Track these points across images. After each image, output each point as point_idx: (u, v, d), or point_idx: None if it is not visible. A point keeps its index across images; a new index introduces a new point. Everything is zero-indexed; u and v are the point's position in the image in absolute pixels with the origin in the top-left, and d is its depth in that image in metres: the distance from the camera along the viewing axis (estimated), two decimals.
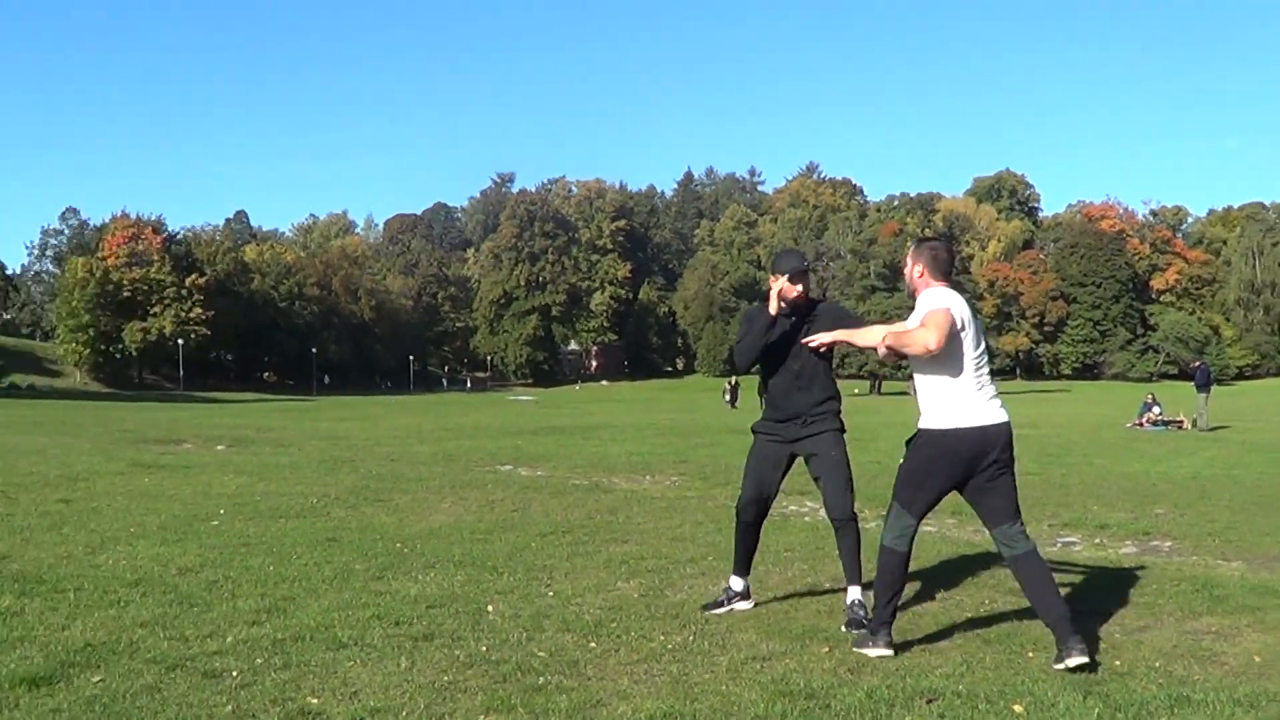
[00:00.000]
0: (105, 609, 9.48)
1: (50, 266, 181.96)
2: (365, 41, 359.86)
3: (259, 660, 7.85)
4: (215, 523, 15.07)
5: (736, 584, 9.90)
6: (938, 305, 8.15)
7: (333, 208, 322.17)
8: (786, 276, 9.31)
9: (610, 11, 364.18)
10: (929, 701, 7.00)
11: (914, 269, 8.55)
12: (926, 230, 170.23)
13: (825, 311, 9.51)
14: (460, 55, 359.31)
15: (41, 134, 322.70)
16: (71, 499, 17.86)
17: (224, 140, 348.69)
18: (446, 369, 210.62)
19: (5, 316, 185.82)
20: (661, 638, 8.62)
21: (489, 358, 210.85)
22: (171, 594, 10.09)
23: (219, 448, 31.35)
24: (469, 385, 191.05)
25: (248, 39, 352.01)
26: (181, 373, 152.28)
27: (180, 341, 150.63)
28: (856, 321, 9.57)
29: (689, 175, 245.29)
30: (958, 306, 8.20)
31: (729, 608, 9.74)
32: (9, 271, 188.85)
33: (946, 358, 8.18)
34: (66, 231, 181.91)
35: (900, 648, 8.24)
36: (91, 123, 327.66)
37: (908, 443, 8.49)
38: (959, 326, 8.13)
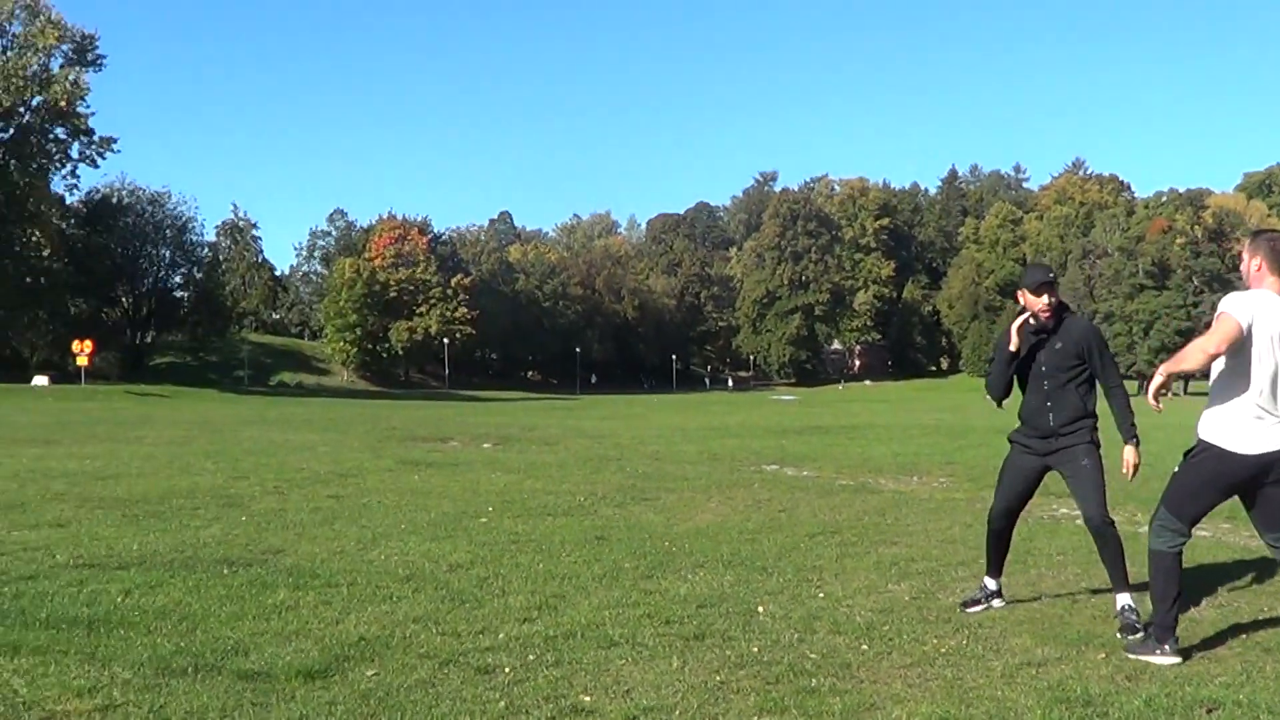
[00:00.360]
0: (378, 604, 9.62)
1: (318, 267, 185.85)
2: (626, 43, 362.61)
3: (531, 657, 7.89)
4: (484, 520, 15.24)
5: (990, 584, 9.88)
6: (1228, 311, 7.81)
7: (595, 208, 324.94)
8: (1032, 290, 9.24)
9: (869, 10, 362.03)
10: (1209, 711, 6.81)
11: (1251, 262, 8.08)
12: (1196, 228, 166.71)
13: (1071, 328, 9.34)
14: (723, 54, 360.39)
15: (310, 137, 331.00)
16: (342, 495, 18.21)
17: (489, 141, 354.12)
18: (709, 368, 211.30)
19: (275, 316, 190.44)
20: (934, 641, 8.48)
21: (752, 357, 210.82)
22: (443, 590, 10.20)
23: (485, 445, 31.74)
24: (731, 384, 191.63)
25: (511, 43, 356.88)
26: (447, 371, 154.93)
27: (445, 340, 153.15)
28: (1105, 346, 9.46)
29: (953, 172, 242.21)
30: (1263, 314, 7.83)
31: (986, 605, 9.71)
32: (278, 272, 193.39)
33: (1239, 366, 7.88)
34: (334, 233, 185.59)
35: (1180, 654, 8.02)
36: (359, 125, 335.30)
37: (1186, 454, 8.24)
38: (1248, 334, 7.78)
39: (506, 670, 7.53)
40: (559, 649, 8.10)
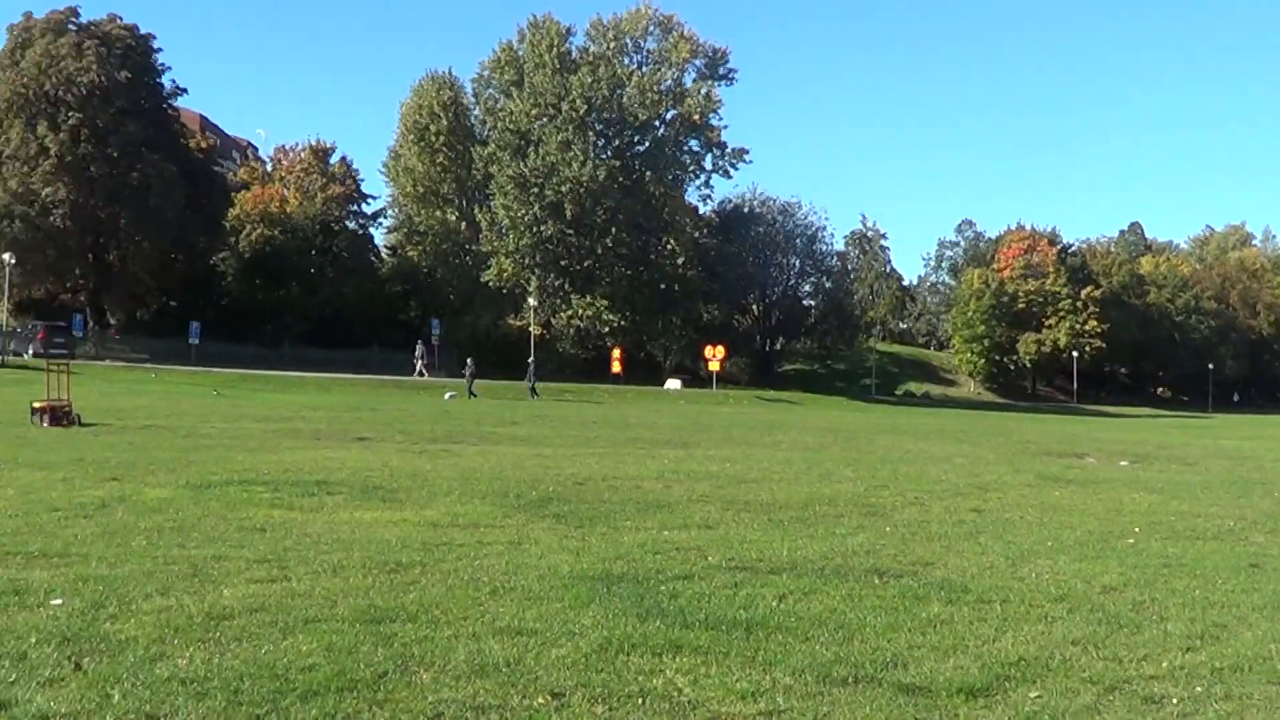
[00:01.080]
0: (1033, 623, 9.57)
1: (946, 278, 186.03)
2: (1241, 47, 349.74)
3: (1199, 688, 7.70)
4: (1130, 540, 14.97)
5: None
6: None
7: (1230, 219, 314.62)
8: None
9: None
10: None
11: None
12: None
13: None
14: None
15: (940, 148, 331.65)
16: (983, 509, 18.22)
17: (1118, 151, 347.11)
18: None
19: (901, 326, 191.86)
20: None
21: None
22: (1098, 613, 10.06)
23: (1121, 463, 31.13)
24: None
25: (1131, 49, 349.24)
26: (1075, 385, 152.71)
27: (1074, 354, 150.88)
28: None
29: None
30: None
31: None
32: (906, 282, 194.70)
33: None
34: (962, 243, 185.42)
35: None
36: (988, 136, 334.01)
37: None
38: None
39: (1174, 701, 7.39)
40: (1227, 682, 7.89)
